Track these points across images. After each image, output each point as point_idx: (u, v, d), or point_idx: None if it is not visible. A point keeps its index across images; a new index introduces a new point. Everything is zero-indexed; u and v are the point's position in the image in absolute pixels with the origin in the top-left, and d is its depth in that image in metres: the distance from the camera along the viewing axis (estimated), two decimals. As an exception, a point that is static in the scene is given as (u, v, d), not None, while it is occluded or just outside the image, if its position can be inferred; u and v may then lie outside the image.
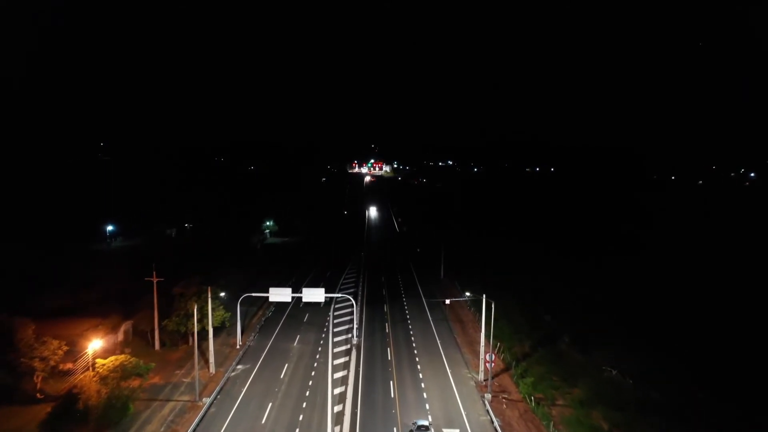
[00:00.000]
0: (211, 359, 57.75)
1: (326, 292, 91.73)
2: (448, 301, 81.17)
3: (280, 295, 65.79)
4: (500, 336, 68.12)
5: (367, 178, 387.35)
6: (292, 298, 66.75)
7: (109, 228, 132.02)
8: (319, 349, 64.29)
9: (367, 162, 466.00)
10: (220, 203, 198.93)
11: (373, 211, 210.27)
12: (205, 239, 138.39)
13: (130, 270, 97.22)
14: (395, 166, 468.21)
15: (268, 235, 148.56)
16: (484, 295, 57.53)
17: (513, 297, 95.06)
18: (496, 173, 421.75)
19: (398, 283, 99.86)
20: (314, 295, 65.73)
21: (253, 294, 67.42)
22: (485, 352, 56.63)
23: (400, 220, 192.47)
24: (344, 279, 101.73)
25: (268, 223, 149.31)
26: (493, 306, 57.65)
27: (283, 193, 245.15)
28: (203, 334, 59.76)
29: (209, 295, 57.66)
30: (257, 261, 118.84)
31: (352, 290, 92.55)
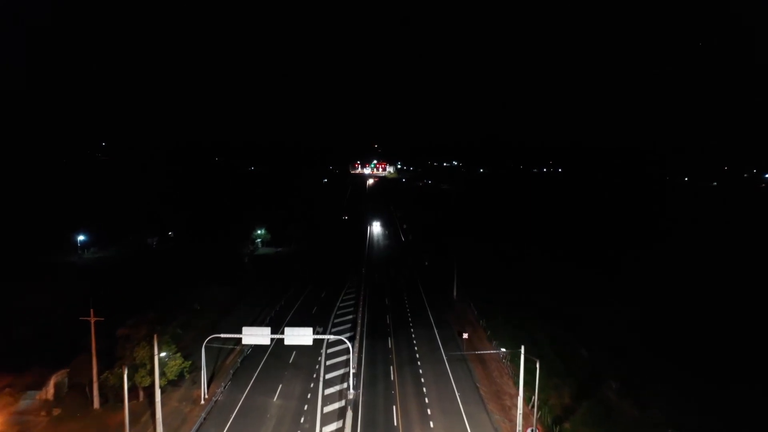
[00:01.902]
0: (159, 429, 43.58)
1: (320, 317, 78.49)
2: (465, 335, 66.99)
3: (255, 336, 51.57)
4: (532, 383, 53.94)
5: (370, 181, 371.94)
6: (272, 339, 52.60)
7: (81, 237, 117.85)
8: (305, 407, 49.98)
9: (369, 163, 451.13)
10: (210, 208, 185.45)
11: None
12: (189, 249, 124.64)
13: (91, 290, 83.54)
14: (399, 166, 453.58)
15: (259, 245, 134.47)
16: (522, 348, 43.16)
17: (538, 322, 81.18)
18: (503, 174, 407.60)
19: (404, 307, 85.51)
20: (299, 336, 51.42)
21: (222, 335, 53.05)
22: (526, 425, 42.31)
23: (405, 226, 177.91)
24: (341, 302, 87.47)
25: (259, 232, 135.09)
26: (538, 366, 43.36)
27: (280, 197, 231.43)
28: (161, 387, 45.87)
29: (155, 345, 43.44)
30: (244, 276, 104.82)
31: (350, 317, 78.44)
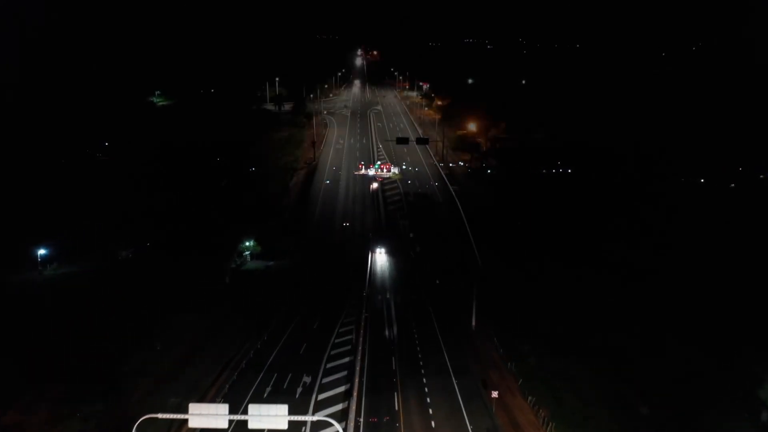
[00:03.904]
0: None
1: (310, 360, 63.39)
2: (495, 394, 51.67)
3: (207, 417, 36.16)
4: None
5: (374, 185, 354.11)
6: (231, 421, 37.36)
7: (41, 251, 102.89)
8: None
9: (374, 164, 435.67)
10: (204, 213, 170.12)
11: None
12: (168, 263, 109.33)
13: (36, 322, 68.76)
14: (404, 167, 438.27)
15: (248, 258, 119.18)
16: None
17: (579, 364, 65.75)
18: (512, 175, 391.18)
19: (414, 344, 70.09)
20: (269, 418, 35.98)
21: (160, 416, 37.48)
22: None
23: (411, 235, 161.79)
24: (337, 336, 72.12)
25: (248, 243, 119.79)
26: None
27: (277, 200, 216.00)
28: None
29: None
30: (223, 300, 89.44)
31: (347, 359, 63.19)
